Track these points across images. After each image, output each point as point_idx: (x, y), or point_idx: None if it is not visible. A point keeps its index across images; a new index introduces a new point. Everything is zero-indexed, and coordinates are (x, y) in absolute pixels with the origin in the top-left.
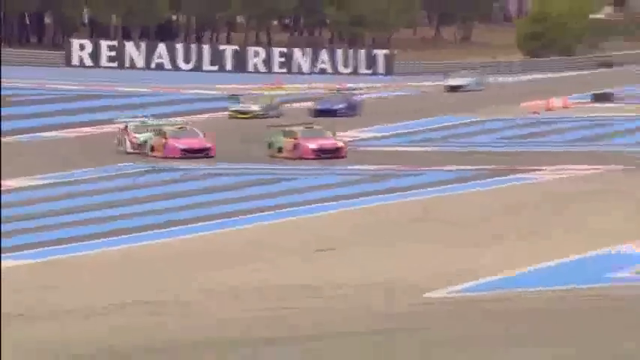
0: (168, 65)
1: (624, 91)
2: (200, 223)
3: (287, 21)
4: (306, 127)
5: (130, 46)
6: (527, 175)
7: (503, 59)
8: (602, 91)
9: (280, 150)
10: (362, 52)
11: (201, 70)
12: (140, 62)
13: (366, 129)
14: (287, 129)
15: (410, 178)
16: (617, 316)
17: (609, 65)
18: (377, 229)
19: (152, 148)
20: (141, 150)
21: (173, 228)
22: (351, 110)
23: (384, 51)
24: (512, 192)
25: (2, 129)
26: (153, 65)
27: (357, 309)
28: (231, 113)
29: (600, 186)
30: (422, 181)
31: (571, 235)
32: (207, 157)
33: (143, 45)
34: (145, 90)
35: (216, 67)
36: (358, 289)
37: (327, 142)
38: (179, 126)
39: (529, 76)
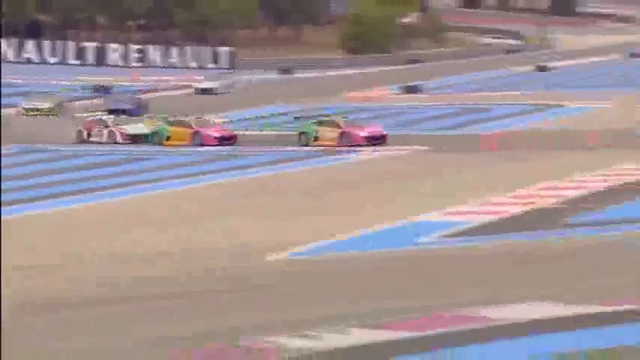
0: (36, 59)
1: (429, 83)
2: (70, 197)
3: (142, 21)
4: (343, 118)
5: (1, 43)
6: (349, 155)
7: (327, 56)
8: (411, 84)
9: (316, 139)
10: (207, 49)
11: (66, 64)
12: (11, 56)
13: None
14: (324, 119)
15: (249, 158)
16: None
17: (416, 62)
18: (221, 203)
19: (168, 138)
20: (135, 141)
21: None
22: (140, 109)
23: (227, 48)
24: (334, 170)
25: None
26: (22, 59)
27: (201, 271)
28: (23, 110)
29: (408, 165)
30: (259, 160)
31: (382, 207)
32: (234, 144)
33: (14, 41)
34: (17, 81)
35: (79, 62)
36: (204, 253)
37: (376, 130)
38: (197, 117)
39: (350, 71)
